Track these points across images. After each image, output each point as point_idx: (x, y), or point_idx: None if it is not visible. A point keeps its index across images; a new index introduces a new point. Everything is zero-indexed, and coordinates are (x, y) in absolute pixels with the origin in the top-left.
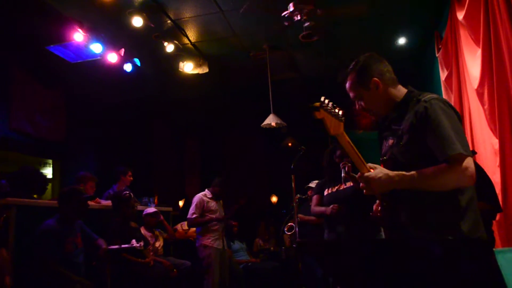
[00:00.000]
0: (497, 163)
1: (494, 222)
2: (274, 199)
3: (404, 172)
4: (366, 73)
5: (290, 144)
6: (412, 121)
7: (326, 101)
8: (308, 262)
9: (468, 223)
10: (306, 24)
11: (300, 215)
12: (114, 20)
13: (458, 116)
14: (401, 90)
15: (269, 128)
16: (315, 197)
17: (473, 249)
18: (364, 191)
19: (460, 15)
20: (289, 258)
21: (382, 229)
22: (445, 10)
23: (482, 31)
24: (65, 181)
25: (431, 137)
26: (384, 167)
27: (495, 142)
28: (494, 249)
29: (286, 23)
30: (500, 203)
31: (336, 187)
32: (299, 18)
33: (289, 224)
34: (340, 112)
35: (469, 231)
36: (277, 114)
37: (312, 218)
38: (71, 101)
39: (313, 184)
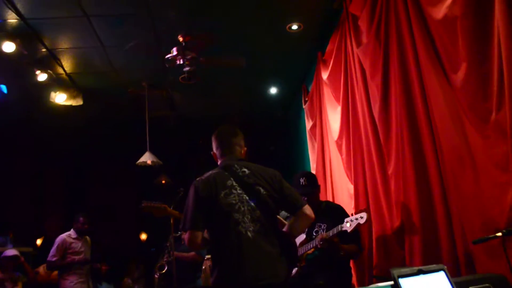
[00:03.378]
0: (352, 205)
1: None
2: (143, 236)
3: None
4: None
5: (163, 182)
6: None
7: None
8: None
9: None
10: (186, 68)
11: (176, 253)
12: None
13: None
14: None
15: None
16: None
17: None
18: None
19: (325, 75)
20: None
21: None
22: (312, 67)
23: (342, 91)
24: None
25: None
26: None
27: (351, 187)
28: None
29: (167, 65)
30: None
31: None
32: (181, 62)
33: (160, 263)
34: None
35: None
36: (153, 151)
37: (188, 254)
38: None
39: None
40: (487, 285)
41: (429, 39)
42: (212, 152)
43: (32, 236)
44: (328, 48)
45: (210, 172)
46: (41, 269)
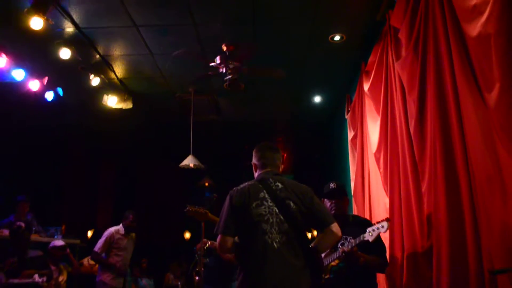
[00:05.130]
0: None
1: (382, 275)
2: (187, 235)
3: None
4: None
5: (206, 184)
6: None
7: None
8: None
9: None
10: (229, 77)
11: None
12: (41, 48)
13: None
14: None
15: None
16: None
17: None
18: None
19: (366, 86)
20: None
21: None
22: (356, 77)
23: (382, 103)
24: None
25: None
26: None
27: (387, 201)
28: None
29: (210, 73)
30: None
31: None
32: (224, 71)
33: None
34: None
35: None
36: (196, 155)
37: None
38: None
39: None
40: None
41: (465, 55)
42: (252, 163)
43: (83, 229)
44: (370, 59)
45: (246, 183)
46: (86, 261)
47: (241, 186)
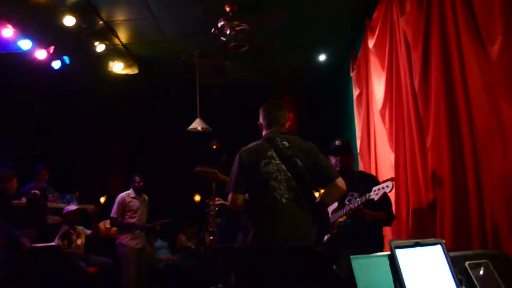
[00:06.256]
0: (393, 175)
1: (389, 228)
2: (197, 197)
3: None
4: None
5: (214, 147)
6: None
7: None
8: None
9: None
10: (234, 37)
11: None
12: (45, 17)
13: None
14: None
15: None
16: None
17: None
18: None
19: (371, 43)
20: (207, 257)
21: None
22: (361, 34)
23: (387, 60)
24: None
25: None
26: None
27: (392, 157)
28: (351, 256)
29: (215, 33)
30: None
31: None
32: (228, 32)
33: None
34: None
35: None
36: (203, 118)
37: None
38: None
39: None
40: (485, 261)
41: (469, 9)
42: (258, 123)
43: (97, 195)
44: (375, 15)
45: (254, 143)
46: (102, 225)
47: (249, 145)
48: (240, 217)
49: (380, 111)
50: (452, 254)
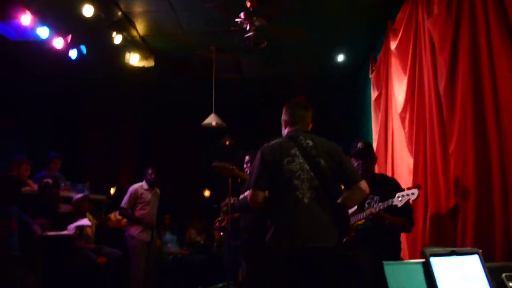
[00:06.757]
0: (411, 180)
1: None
2: (206, 193)
3: None
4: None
5: (227, 143)
6: None
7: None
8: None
9: None
10: (253, 33)
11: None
12: (63, 5)
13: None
14: None
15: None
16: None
17: None
18: None
19: (393, 45)
20: (218, 254)
21: None
22: (382, 36)
23: (410, 62)
24: None
25: None
26: None
27: (411, 161)
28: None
29: (233, 28)
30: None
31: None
32: (248, 27)
33: (223, 224)
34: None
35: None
36: (218, 113)
37: None
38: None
39: None
40: None
41: (503, 15)
42: (282, 119)
43: (107, 185)
44: (399, 17)
45: (277, 139)
46: (113, 215)
47: (272, 142)
48: (246, 218)
49: (400, 114)
50: (489, 264)
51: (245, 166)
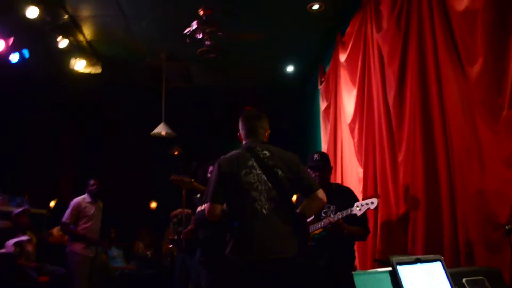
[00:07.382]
0: (360, 189)
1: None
2: (153, 204)
3: None
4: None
5: (176, 153)
6: None
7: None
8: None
9: None
10: (206, 42)
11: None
12: (6, 6)
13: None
14: None
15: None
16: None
17: None
18: None
19: (343, 57)
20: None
21: None
22: (331, 48)
23: (359, 74)
24: None
25: None
26: None
27: (360, 171)
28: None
29: (188, 40)
30: None
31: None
32: (200, 36)
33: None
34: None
35: None
36: (168, 122)
37: None
38: None
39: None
40: (481, 277)
41: (449, 30)
42: (238, 134)
43: (46, 198)
44: (348, 30)
45: (234, 151)
46: (55, 230)
47: (229, 154)
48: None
49: (349, 124)
50: (450, 270)
51: (209, 176)
